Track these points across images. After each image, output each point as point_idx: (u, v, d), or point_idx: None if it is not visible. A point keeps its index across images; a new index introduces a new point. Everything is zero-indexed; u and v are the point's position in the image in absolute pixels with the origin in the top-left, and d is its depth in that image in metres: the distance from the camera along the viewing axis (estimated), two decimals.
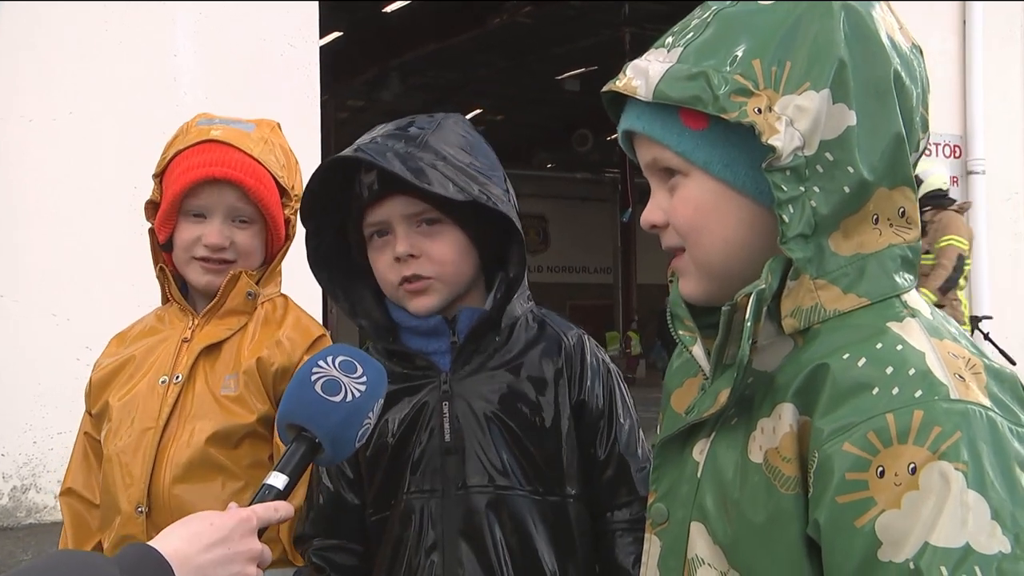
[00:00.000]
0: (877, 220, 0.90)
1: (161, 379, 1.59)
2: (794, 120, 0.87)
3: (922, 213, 6.14)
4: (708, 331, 0.98)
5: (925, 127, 0.95)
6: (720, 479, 0.92)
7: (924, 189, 5.94)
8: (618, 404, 1.46)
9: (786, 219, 0.87)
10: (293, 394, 1.14)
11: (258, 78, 5.33)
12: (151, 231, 1.66)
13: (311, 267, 1.48)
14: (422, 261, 1.39)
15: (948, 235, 6.03)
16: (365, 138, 1.40)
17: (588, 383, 1.45)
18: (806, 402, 0.85)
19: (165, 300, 1.70)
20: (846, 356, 0.85)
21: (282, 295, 1.70)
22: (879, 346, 0.85)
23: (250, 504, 1.06)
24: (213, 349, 1.62)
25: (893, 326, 0.87)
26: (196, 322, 1.64)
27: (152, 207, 1.65)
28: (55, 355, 4.86)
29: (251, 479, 1.55)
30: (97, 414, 1.64)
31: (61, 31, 5.13)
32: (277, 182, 1.62)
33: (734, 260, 0.93)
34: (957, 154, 7.46)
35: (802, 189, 0.87)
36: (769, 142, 0.86)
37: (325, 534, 1.48)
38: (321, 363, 1.15)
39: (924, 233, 5.98)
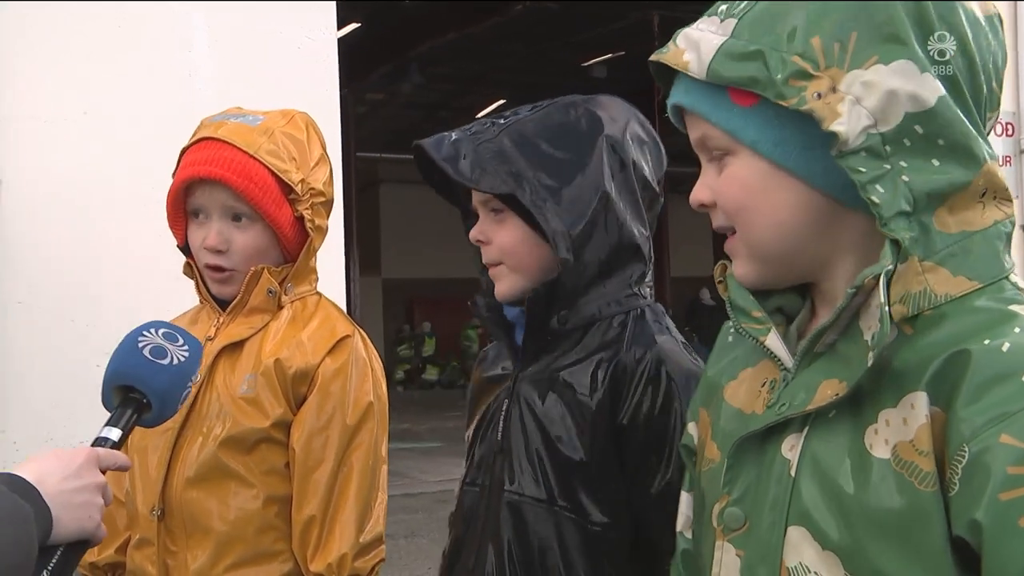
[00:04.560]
0: (984, 194, 0.86)
1: None
2: (861, 98, 0.83)
3: None
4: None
5: (995, 104, 0.89)
6: (828, 478, 0.85)
7: None
8: (675, 442, 1.30)
9: (876, 200, 0.82)
10: (122, 358, 1.24)
11: (275, 72, 5.20)
12: None
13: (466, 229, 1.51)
14: (491, 248, 1.41)
15: None
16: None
17: (634, 407, 1.33)
18: (942, 391, 0.80)
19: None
20: (987, 341, 0.79)
21: (316, 293, 1.63)
22: (1017, 330, 0.80)
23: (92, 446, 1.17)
24: (234, 348, 1.59)
25: (1020, 310, 0.83)
26: (221, 320, 1.61)
27: None
28: (74, 363, 4.79)
29: (264, 486, 1.54)
30: None
31: (73, 28, 5.02)
32: (280, 178, 1.53)
33: (786, 243, 0.90)
34: (1010, 132, 7.14)
35: (887, 167, 0.83)
36: (831, 128, 0.82)
37: None
38: (146, 332, 1.26)
39: None
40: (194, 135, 1.60)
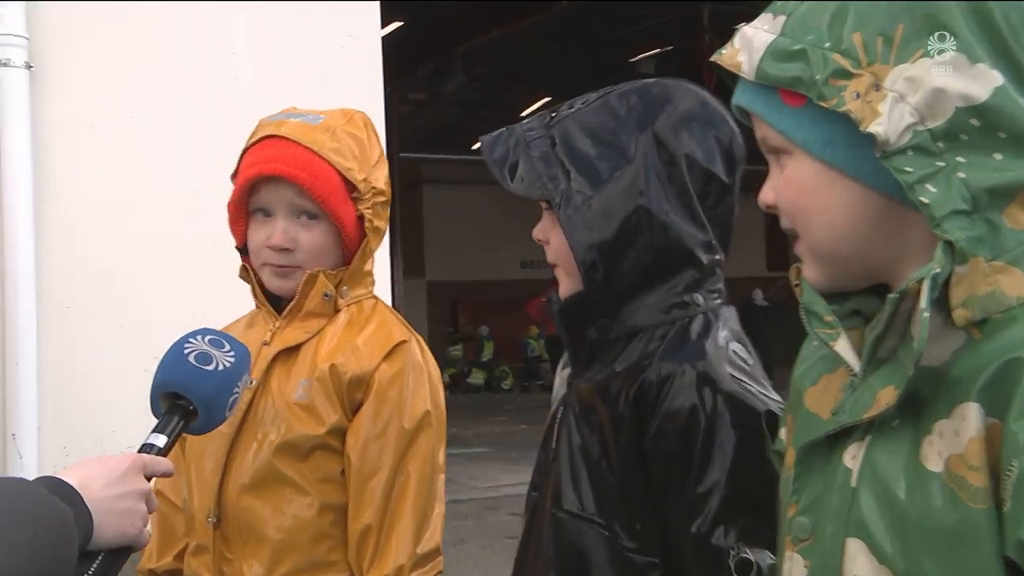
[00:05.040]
0: None
1: None
2: (904, 95, 0.79)
3: None
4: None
5: None
6: (885, 490, 0.82)
7: None
8: (694, 468, 1.20)
9: (926, 200, 0.78)
10: (167, 366, 1.24)
11: (319, 73, 5.21)
12: None
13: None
14: (549, 249, 1.37)
15: None
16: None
17: (657, 429, 1.22)
18: (996, 401, 0.75)
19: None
20: None
21: (373, 297, 1.64)
22: None
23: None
24: (290, 353, 1.56)
25: None
26: (277, 324, 1.59)
27: None
28: (122, 367, 4.84)
29: (319, 494, 1.51)
30: None
31: (117, 32, 5.08)
32: (345, 176, 1.52)
33: (843, 245, 0.87)
34: None
35: (940, 164, 0.79)
36: (869, 129, 0.79)
37: None
38: (192, 339, 1.27)
39: None
40: (254, 134, 1.57)
